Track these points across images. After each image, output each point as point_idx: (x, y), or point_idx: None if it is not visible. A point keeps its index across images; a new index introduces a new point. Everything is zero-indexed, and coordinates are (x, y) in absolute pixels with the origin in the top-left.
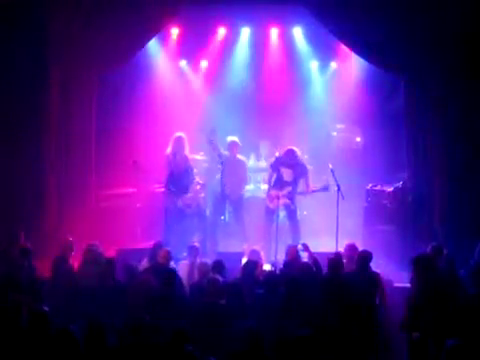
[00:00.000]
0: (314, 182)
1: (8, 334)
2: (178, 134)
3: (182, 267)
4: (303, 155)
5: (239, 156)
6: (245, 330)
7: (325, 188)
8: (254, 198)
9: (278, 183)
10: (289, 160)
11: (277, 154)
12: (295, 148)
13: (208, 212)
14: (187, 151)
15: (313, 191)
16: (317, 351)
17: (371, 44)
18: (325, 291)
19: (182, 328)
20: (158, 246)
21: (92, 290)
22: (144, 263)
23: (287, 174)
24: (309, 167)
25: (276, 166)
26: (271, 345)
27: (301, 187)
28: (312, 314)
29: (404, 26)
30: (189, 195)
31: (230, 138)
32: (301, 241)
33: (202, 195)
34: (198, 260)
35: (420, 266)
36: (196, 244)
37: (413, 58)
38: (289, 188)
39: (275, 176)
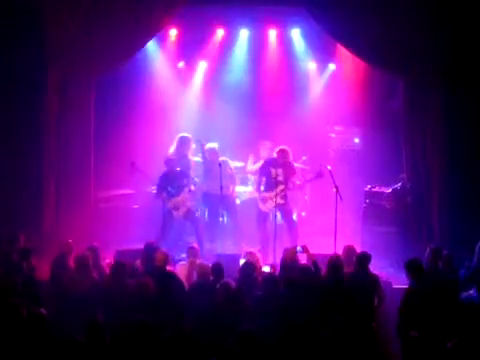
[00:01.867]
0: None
1: (7, 336)
2: (183, 135)
3: (181, 268)
4: (302, 156)
5: (221, 158)
6: (243, 333)
7: (320, 175)
8: (252, 200)
9: (269, 184)
10: (279, 160)
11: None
12: (287, 148)
13: (206, 215)
14: (190, 153)
15: (306, 181)
16: (316, 352)
17: (369, 45)
18: (324, 293)
19: (183, 330)
20: (150, 247)
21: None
22: (138, 263)
23: (277, 174)
24: (300, 166)
25: (265, 168)
26: (270, 347)
27: (291, 185)
28: (311, 316)
29: (402, 27)
30: (179, 198)
31: (209, 145)
32: (299, 242)
33: (190, 203)
34: (197, 261)
35: (412, 270)
36: (195, 245)
37: (411, 59)
38: (282, 186)
39: (264, 179)
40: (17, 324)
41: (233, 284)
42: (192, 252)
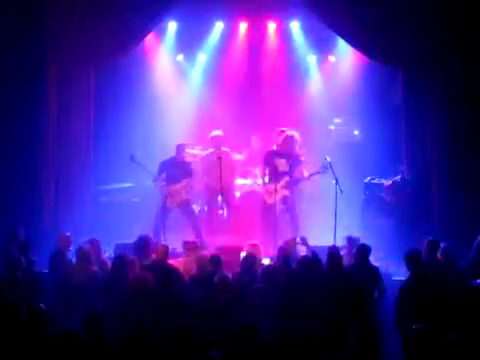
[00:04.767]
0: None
1: (7, 331)
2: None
3: (179, 262)
4: (301, 148)
5: (223, 148)
6: (243, 326)
7: (323, 169)
8: (252, 193)
9: (274, 176)
10: (285, 149)
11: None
12: (294, 133)
13: (206, 208)
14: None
15: (311, 175)
16: (317, 346)
17: (367, 37)
18: (324, 285)
19: (184, 326)
20: (144, 240)
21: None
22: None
23: (282, 165)
24: (302, 159)
25: (269, 159)
26: (270, 340)
27: (297, 175)
28: (311, 308)
29: (400, 17)
30: (177, 186)
31: (214, 132)
32: (299, 234)
33: (187, 194)
34: (196, 254)
35: (411, 262)
36: (193, 239)
37: (411, 49)
38: (286, 178)
39: (268, 170)
40: (16, 319)
41: (229, 276)
42: (190, 246)
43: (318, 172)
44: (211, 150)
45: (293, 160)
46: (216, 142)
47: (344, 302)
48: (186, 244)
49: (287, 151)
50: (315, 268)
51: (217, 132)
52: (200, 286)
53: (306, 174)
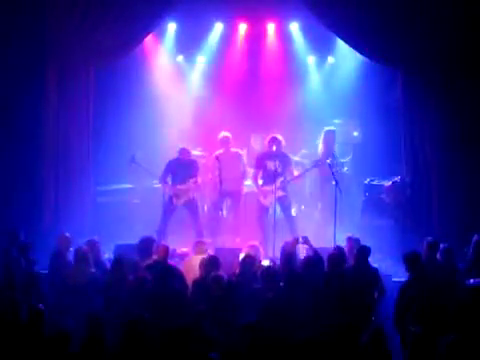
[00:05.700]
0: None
1: (6, 332)
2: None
3: (188, 263)
4: (301, 149)
5: (233, 149)
6: (244, 327)
7: (316, 164)
8: (252, 194)
9: (267, 178)
10: (273, 150)
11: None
12: (278, 136)
13: (206, 208)
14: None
15: (300, 174)
16: (317, 347)
17: (367, 38)
18: (325, 286)
19: (184, 325)
20: (147, 241)
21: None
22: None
23: (275, 166)
24: (296, 158)
25: (260, 162)
26: (270, 341)
27: (288, 176)
28: (312, 309)
29: (400, 19)
30: (183, 187)
31: (222, 134)
32: (298, 234)
33: (193, 194)
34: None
35: (410, 263)
36: (203, 240)
37: (409, 50)
38: (281, 178)
39: (261, 173)
40: (15, 320)
41: (224, 276)
42: (200, 247)
43: (307, 170)
44: (220, 151)
45: (284, 161)
46: (223, 143)
47: (344, 303)
48: (197, 244)
49: (277, 152)
50: (318, 267)
51: (225, 133)
52: (201, 287)
53: (296, 173)
